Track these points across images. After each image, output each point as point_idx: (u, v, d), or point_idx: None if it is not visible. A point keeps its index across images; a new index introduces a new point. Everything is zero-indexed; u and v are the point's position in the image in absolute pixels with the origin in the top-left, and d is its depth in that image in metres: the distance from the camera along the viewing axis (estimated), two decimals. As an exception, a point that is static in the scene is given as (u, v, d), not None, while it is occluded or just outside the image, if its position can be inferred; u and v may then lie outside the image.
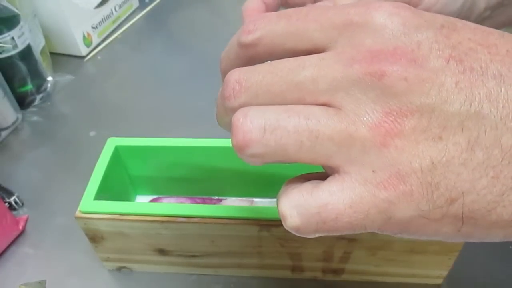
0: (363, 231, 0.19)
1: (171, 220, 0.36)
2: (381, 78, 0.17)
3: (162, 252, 0.40)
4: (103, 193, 0.39)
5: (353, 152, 0.18)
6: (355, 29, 0.19)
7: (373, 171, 0.18)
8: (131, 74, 0.69)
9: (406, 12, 0.19)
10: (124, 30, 0.78)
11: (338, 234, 0.19)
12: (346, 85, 0.18)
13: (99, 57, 0.72)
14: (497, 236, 0.18)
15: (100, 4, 0.73)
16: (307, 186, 0.19)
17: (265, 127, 0.18)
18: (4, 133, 0.59)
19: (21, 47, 0.58)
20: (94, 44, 0.73)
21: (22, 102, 0.62)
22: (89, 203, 0.37)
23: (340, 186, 0.18)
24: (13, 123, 0.60)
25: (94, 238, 0.39)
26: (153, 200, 0.47)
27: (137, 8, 0.82)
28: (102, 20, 0.74)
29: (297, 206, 0.19)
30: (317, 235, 0.19)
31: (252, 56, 0.21)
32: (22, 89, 0.62)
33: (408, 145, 0.17)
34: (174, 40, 0.75)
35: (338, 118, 0.18)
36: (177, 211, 0.37)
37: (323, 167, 0.19)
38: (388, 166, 0.17)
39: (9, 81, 0.58)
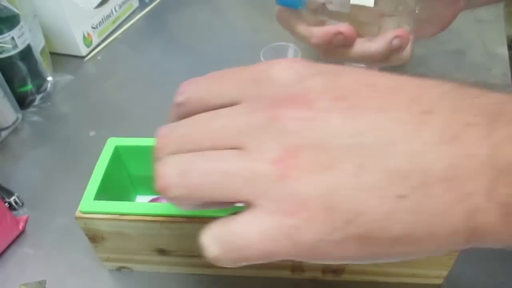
0: (279, 259, 0.20)
1: (171, 220, 0.36)
2: (277, 120, 0.20)
3: (162, 252, 0.40)
4: (103, 193, 0.39)
5: (258, 186, 0.20)
6: (261, 83, 0.22)
7: (277, 201, 0.19)
8: (131, 74, 0.69)
9: (299, 64, 0.23)
10: (124, 30, 0.78)
11: (255, 262, 0.20)
12: (250, 129, 0.21)
13: (99, 57, 0.72)
14: (402, 253, 0.20)
15: (100, 4, 0.73)
16: (226, 218, 0.21)
17: (180, 172, 0.21)
18: (4, 133, 0.59)
19: (21, 47, 0.58)
20: (94, 44, 0.73)
21: (22, 102, 0.62)
22: (89, 203, 0.37)
23: (252, 217, 0.20)
24: (13, 123, 0.60)
25: (94, 238, 0.39)
26: (152, 200, 0.47)
27: (137, 8, 0.82)
28: (102, 20, 0.74)
29: (215, 237, 0.21)
30: (237, 265, 0.20)
31: (184, 113, 0.25)
32: (22, 89, 0.62)
33: (305, 176, 0.19)
34: (174, 40, 0.75)
35: (243, 157, 0.20)
36: (177, 211, 0.37)
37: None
38: (290, 195, 0.19)
39: (9, 81, 0.58)
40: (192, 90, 0.25)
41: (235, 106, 0.22)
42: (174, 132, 0.24)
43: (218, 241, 0.20)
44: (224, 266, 0.21)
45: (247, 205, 0.21)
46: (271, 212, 0.19)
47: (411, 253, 0.20)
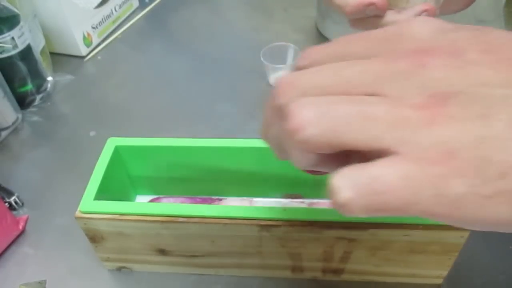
0: (414, 212, 0.18)
1: (171, 220, 0.36)
2: (423, 67, 0.19)
3: (162, 252, 0.40)
4: (103, 193, 0.39)
5: (402, 132, 0.18)
6: (397, 40, 0.21)
7: (423, 148, 0.18)
8: (131, 74, 0.69)
9: (437, 20, 0.21)
10: (124, 30, 0.78)
11: (388, 213, 0.18)
12: (390, 75, 0.19)
13: (99, 57, 0.72)
14: None
15: (100, 4, 0.73)
16: (362, 164, 0.19)
17: (318, 111, 0.19)
18: (4, 133, 0.59)
19: (21, 47, 0.58)
20: (94, 44, 0.74)
21: (22, 102, 0.62)
22: (89, 203, 0.37)
23: (392, 163, 0.18)
24: (13, 123, 0.60)
25: (94, 238, 0.39)
26: (152, 200, 0.47)
27: (137, 8, 0.82)
28: (102, 20, 0.74)
29: (349, 179, 0.18)
30: (367, 213, 0.19)
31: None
32: (22, 89, 0.62)
33: (455, 123, 0.18)
34: (174, 40, 0.75)
35: (385, 103, 0.19)
36: (177, 211, 0.37)
37: (371, 154, 0.19)
38: (438, 143, 0.18)
39: (9, 81, 0.58)
40: (317, 54, 0.23)
41: (367, 59, 0.21)
42: (299, 79, 0.21)
43: (352, 183, 0.18)
44: (353, 213, 0.19)
45: (383, 155, 0.19)
46: (415, 160, 0.18)
47: None
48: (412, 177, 0.18)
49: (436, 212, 0.18)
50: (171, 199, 0.47)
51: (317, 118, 0.19)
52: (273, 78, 0.63)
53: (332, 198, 0.19)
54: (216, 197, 0.47)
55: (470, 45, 0.20)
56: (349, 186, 0.18)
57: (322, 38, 0.71)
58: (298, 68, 0.23)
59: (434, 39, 0.20)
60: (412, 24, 0.21)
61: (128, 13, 0.80)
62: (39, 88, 0.64)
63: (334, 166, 0.20)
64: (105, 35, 0.76)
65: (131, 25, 0.79)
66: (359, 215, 0.19)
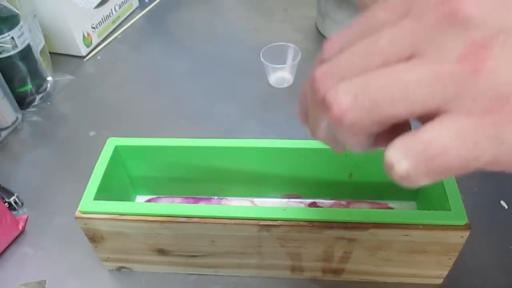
0: (478, 166, 0.18)
1: (171, 220, 0.36)
2: (456, 14, 0.17)
3: (162, 252, 0.40)
4: (103, 193, 0.39)
5: (446, 89, 0.17)
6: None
7: (472, 100, 0.17)
8: (131, 74, 0.69)
9: None
10: (124, 30, 0.78)
11: (450, 174, 0.18)
12: (423, 33, 0.18)
13: (99, 57, 0.72)
14: None
15: (100, 4, 0.73)
16: (412, 132, 0.18)
17: (355, 92, 0.19)
18: (4, 133, 0.58)
19: (21, 47, 0.58)
20: (94, 44, 0.73)
21: (22, 102, 0.62)
22: (89, 203, 0.37)
23: (442, 123, 0.17)
24: (13, 123, 0.60)
25: (94, 238, 0.39)
26: (149, 200, 0.47)
27: (137, 8, 0.82)
28: (102, 20, 0.74)
29: (403, 150, 0.18)
30: (430, 179, 0.18)
31: None
32: (22, 89, 0.62)
33: (501, 65, 0.17)
34: (174, 40, 0.75)
35: (422, 63, 0.18)
36: (177, 211, 0.37)
37: (424, 120, 0.19)
38: (487, 90, 0.17)
39: (9, 81, 0.58)
40: (342, 38, 0.22)
41: (392, 25, 0.20)
42: (333, 67, 0.20)
43: (408, 153, 0.18)
44: (417, 182, 0.18)
45: (431, 119, 0.18)
46: (466, 113, 0.17)
47: None
48: (467, 132, 0.17)
49: (500, 162, 0.17)
50: (170, 199, 0.47)
51: (355, 99, 0.19)
52: (273, 78, 0.63)
53: (391, 174, 0.18)
54: (216, 197, 0.47)
55: None
56: (404, 157, 0.18)
57: (322, 38, 0.71)
58: (323, 61, 0.22)
59: None
60: None
61: (128, 13, 0.80)
62: (39, 88, 0.64)
63: (390, 136, 0.20)
64: (105, 35, 0.76)
65: (131, 25, 0.79)
66: (424, 182, 0.18)
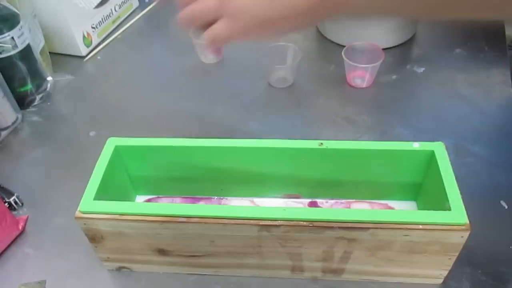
0: (238, 38, 0.38)
1: (171, 220, 0.36)
2: None
3: (162, 252, 0.40)
4: (103, 193, 0.39)
5: (216, 11, 0.39)
6: None
7: (225, 12, 0.38)
8: (131, 74, 0.69)
9: None
10: (124, 30, 0.78)
11: (226, 42, 0.39)
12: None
13: (99, 57, 0.72)
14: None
15: (100, 4, 0.73)
16: (209, 28, 0.39)
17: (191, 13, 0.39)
18: (4, 133, 0.59)
19: (21, 47, 0.58)
20: (94, 44, 0.73)
21: (22, 102, 0.62)
22: (89, 203, 0.37)
23: (218, 23, 0.38)
24: (13, 123, 0.60)
25: (94, 238, 0.39)
26: (149, 200, 0.47)
27: (137, 8, 0.82)
28: (102, 20, 0.74)
29: (207, 34, 0.38)
30: (220, 43, 0.40)
31: None
32: (22, 89, 0.62)
33: (232, 2, 0.38)
34: (174, 40, 0.75)
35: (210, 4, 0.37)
36: (177, 211, 0.37)
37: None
38: (228, 8, 0.38)
39: (9, 81, 0.58)
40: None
41: None
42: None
43: (209, 35, 0.38)
44: (217, 44, 0.39)
45: (216, 21, 0.37)
46: (225, 16, 0.36)
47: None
48: (227, 24, 0.36)
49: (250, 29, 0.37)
50: (169, 199, 0.47)
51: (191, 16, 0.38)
52: (273, 78, 0.63)
53: (207, 44, 0.38)
54: (216, 197, 0.47)
55: None
56: (208, 37, 0.37)
57: (322, 38, 0.71)
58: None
59: None
60: None
61: (128, 13, 0.80)
62: (39, 88, 0.64)
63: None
64: (105, 35, 0.76)
65: (131, 25, 0.79)
66: (220, 44, 0.40)
